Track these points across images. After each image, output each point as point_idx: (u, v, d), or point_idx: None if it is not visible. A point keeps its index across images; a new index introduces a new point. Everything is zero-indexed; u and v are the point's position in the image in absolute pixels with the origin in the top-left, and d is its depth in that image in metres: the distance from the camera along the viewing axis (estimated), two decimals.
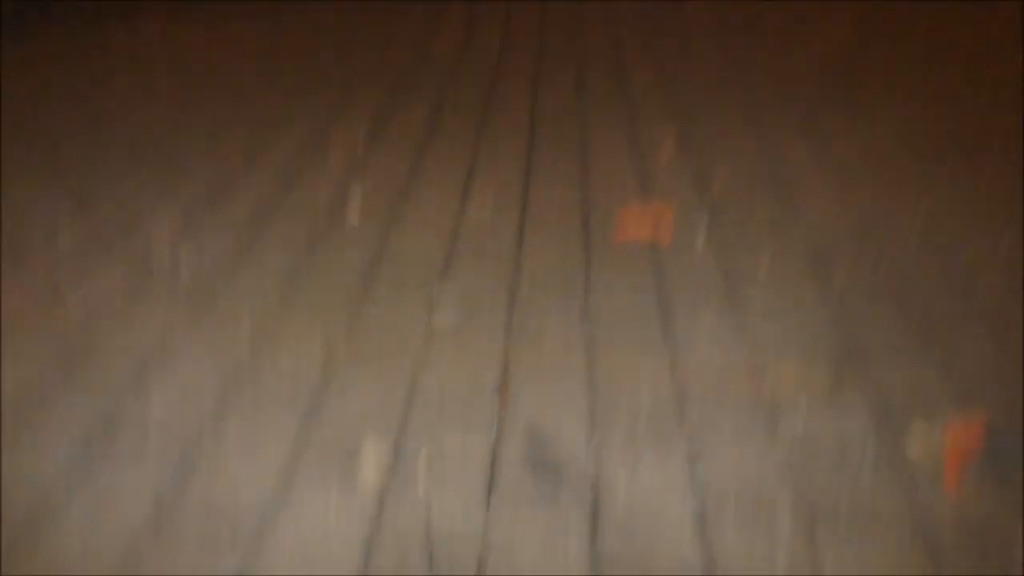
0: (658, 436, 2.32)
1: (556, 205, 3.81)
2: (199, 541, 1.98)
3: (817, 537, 2.01)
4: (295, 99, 4.92)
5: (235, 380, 2.53)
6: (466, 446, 2.28)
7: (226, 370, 2.58)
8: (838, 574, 1.90)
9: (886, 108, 5.00)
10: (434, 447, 2.27)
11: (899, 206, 3.80)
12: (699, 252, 3.31)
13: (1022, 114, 4.73)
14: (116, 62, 4.38)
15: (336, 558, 1.95)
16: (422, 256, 3.32)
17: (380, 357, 2.65)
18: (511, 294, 3.04)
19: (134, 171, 4.03)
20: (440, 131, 4.50)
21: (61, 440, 2.28)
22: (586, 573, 1.91)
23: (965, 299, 3.03)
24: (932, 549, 1.98)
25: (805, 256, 3.29)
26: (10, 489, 2.12)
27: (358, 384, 2.53)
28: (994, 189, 3.96)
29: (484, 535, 2.01)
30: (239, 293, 3.02)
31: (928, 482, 2.20)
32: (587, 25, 6.93)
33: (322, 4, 7.30)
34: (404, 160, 4.25)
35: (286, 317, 2.87)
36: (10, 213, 3.55)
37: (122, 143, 4.28)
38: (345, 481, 2.17)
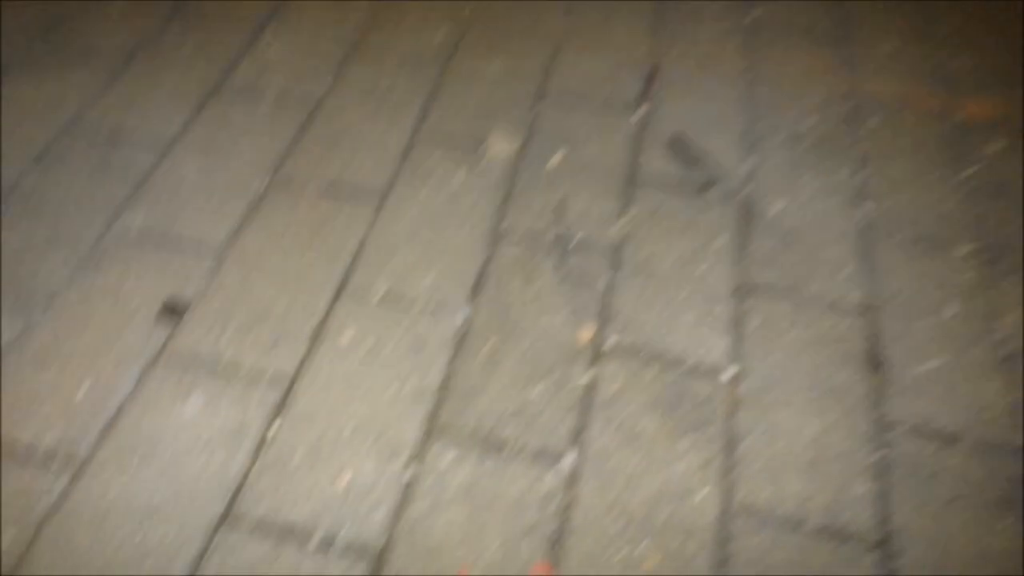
0: (823, 156, 2.04)
1: None
2: (318, 204, 1.88)
3: (996, 278, 1.79)
4: None
5: (354, 52, 2.31)
6: (604, 141, 2.06)
7: (345, 41, 2.35)
8: (1017, 319, 1.70)
9: None
10: (569, 140, 2.06)
11: None
12: None
13: None
14: None
15: (466, 225, 1.83)
16: None
17: (512, 42, 2.37)
18: None
19: None
20: None
21: (177, 99, 2.15)
22: (733, 278, 1.75)
23: None
24: None
25: None
26: (132, 143, 2.03)
27: (486, 68, 2.28)
28: None
29: (620, 233, 1.84)
30: None
31: None
32: None
33: None
34: None
35: None
36: None
37: None
38: (471, 163, 2.00)
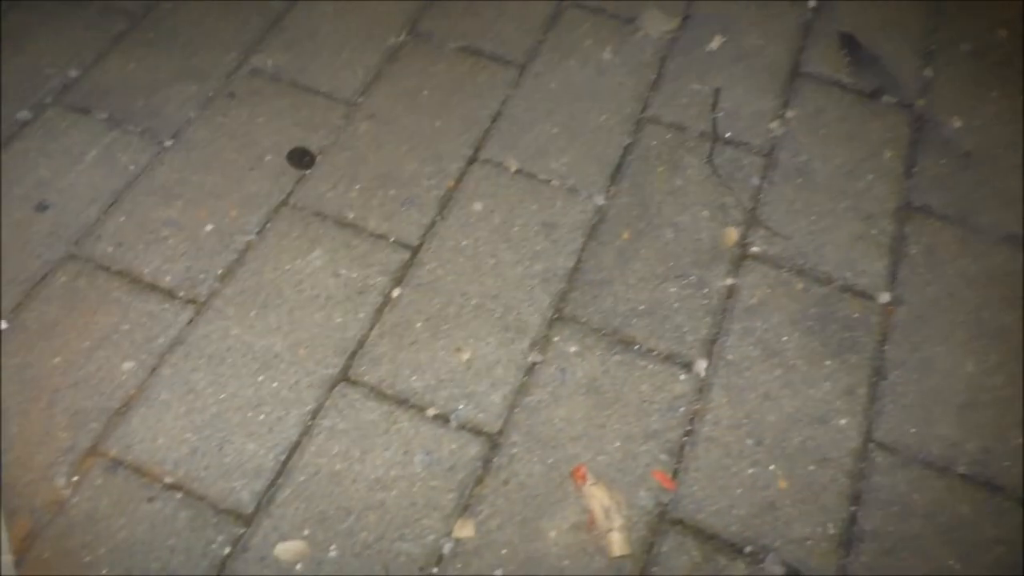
0: (1012, 75, 1.81)
1: None
2: (456, 65, 1.76)
3: None
4: None
5: None
6: (768, 31, 1.87)
7: None
8: None
9: None
10: (729, 26, 1.88)
11: None
12: None
13: None
14: None
15: (610, 105, 1.69)
16: None
17: None
18: None
19: None
20: None
21: None
22: (898, 196, 1.59)
23: None
24: None
25: None
26: None
27: None
28: None
29: (776, 133, 1.69)
30: None
31: None
32: None
33: None
34: None
35: None
36: None
37: None
38: (621, 39, 1.84)
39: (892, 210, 1.60)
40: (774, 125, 1.71)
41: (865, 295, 1.48)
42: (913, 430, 1.33)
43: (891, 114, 1.75)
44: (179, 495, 1.21)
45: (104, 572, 1.14)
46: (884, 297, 1.48)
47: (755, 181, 1.62)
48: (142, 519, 1.19)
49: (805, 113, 1.74)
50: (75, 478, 1.22)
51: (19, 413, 1.27)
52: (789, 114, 1.73)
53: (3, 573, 0.94)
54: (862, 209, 1.59)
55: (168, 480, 1.22)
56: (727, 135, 1.69)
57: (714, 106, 1.73)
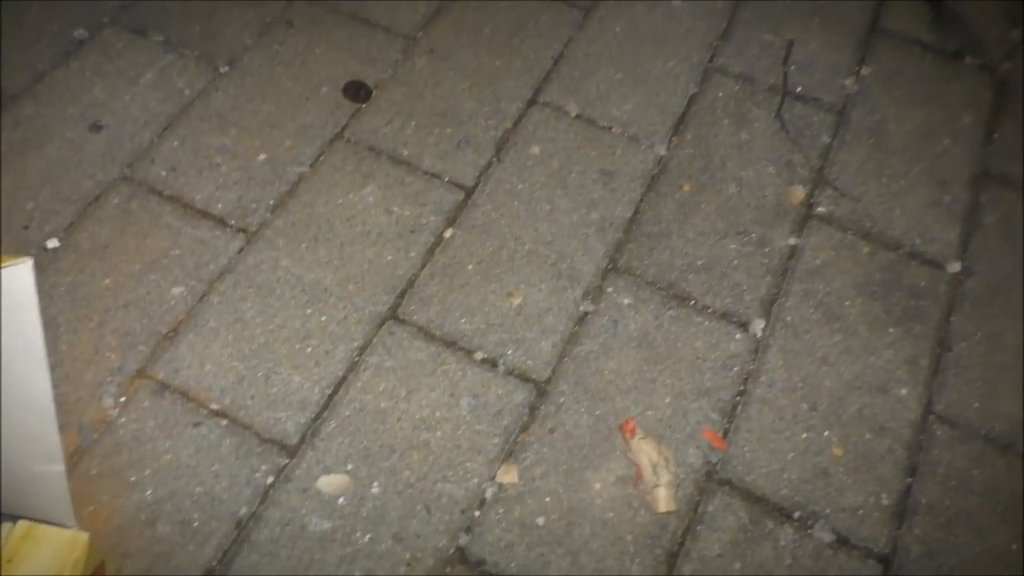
0: None
1: None
2: (519, 3, 1.71)
3: None
4: None
5: None
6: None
7: None
8: None
9: None
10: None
11: None
12: None
13: None
14: None
15: (678, 53, 1.63)
16: None
17: None
18: None
19: None
20: None
21: None
22: (975, 163, 1.52)
23: None
24: None
25: None
26: None
27: None
28: None
29: (850, 90, 1.62)
30: None
31: None
32: None
33: None
34: None
35: None
36: None
37: None
38: None
39: (968, 177, 1.53)
40: (848, 82, 1.64)
41: (934, 263, 1.42)
42: (976, 405, 1.28)
43: (973, 77, 1.66)
44: (224, 422, 1.21)
45: (148, 493, 1.15)
46: (954, 266, 1.42)
47: (825, 139, 1.56)
48: (187, 443, 1.19)
49: (882, 71, 1.66)
50: (122, 399, 1.22)
51: (69, 331, 1.27)
52: (864, 71, 1.66)
53: (56, 483, 0.94)
54: (936, 174, 1.52)
55: (214, 407, 1.22)
56: (798, 90, 1.62)
57: (786, 59, 1.66)
